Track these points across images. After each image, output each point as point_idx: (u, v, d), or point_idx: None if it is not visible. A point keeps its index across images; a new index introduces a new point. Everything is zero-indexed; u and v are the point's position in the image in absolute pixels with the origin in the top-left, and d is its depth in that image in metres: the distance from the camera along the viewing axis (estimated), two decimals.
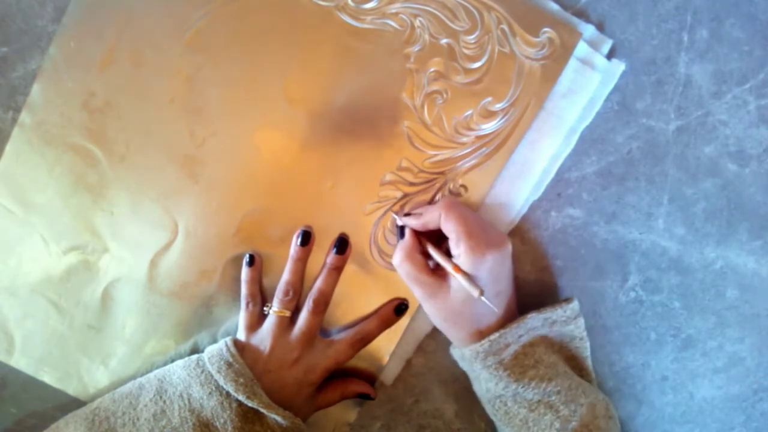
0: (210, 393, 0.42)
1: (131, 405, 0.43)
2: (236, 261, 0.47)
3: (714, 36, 0.45)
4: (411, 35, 0.44)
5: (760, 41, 0.45)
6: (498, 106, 0.44)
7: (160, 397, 0.43)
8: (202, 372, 0.43)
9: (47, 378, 0.49)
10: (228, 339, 0.45)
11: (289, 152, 0.46)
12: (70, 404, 0.50)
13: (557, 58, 0.44)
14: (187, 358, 0.45)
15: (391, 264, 0.46)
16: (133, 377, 0.47)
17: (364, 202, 0.46)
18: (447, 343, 0.48)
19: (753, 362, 0.48)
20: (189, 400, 0.43)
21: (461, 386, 0.49)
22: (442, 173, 0.46)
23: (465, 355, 0.43)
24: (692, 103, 0.46)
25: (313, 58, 0.45)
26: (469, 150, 0.45)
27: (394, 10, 0.44)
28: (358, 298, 0.47)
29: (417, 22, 0.44)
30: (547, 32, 0.44)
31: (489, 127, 0.45)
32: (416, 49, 0.44)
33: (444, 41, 0.44)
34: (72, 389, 0.49)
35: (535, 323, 0.42)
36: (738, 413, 0.48)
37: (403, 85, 0.45)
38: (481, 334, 0.42)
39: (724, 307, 0.47)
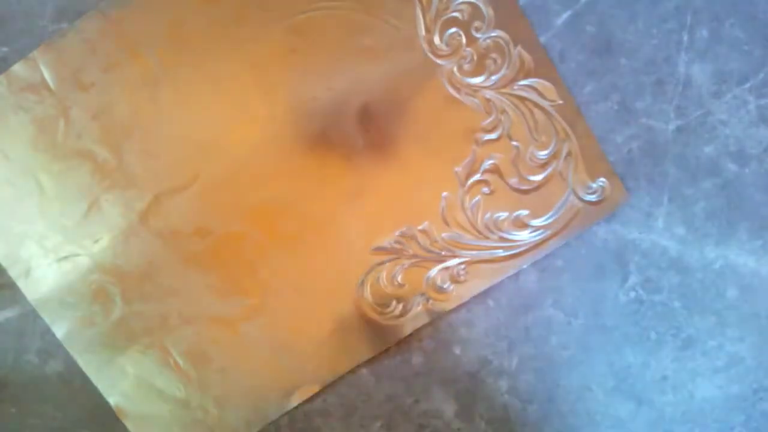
0: None
1: None
2: (234, 236, 0.47)
3: (714, 36, 0.45)
4: (490, 123, 0.45)
5: (760, 41, 0.45)
6: (532, 221, 0.46)
7: None
8: None
9: None
10: None
11: (334, 162, 0.46)
12: (70, 404, 0.50)
13: (600, 208, 0.46)
14: None
15: (379, 309, 0.47)
16: (75, 288, 0.47)
17: (374, 239, 0.47)
18: (447, 343, 0.49)
19: (753, 362, 0.48)
20: None
21: (461, 386, 0.49)
22: (453, 253, 0.46)
23: None
24: (692, 103, 0.46)
25: (396, 97, 0.45)
26: (487, 245, 0.46)
27: (488, 95, 0.45)
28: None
29: (502, 116, 0.45)
30: (602, 182, 0.45)
31: (515, 236, 0.46)
32: (487, 137, 0.45)
33: (515, 143, 0.45)
34: (15, 273, 0.49)
35: None
36: (738, 413, 0.48)
37: (460, 161, 0.46)
38: None
39: (724, 307, 0.47)
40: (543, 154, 0.46)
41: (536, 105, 0.45)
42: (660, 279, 0.47)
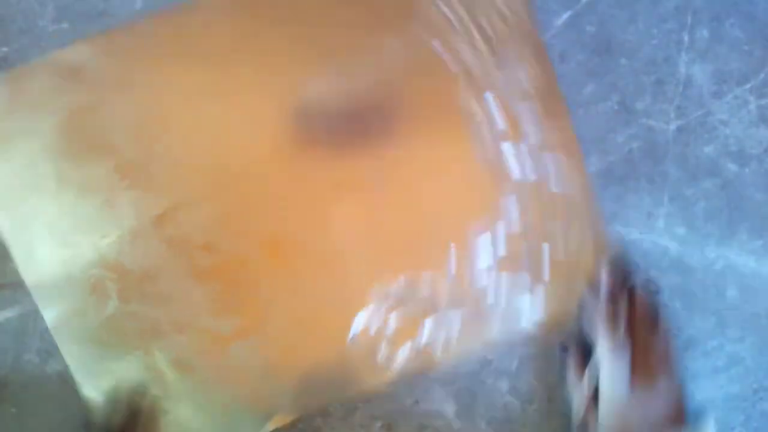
0: None
1: None
2: (240, 257, 0.47)
3: (714, 36, 0.45)
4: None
5: (760, 41, 0.45)
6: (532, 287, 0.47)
7: None
8: None
9: None
10: None
11: (350, 200, 0.47)
12: (70, 403, 0.50)
13: None
14: None
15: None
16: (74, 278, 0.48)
17: (376, 281, 0.47)
18: None
19: (753, 362, 0.48)
20: None
21: (461, 386, 0.49)
22: (451, 306, 0.47)
23: None
24: (692, 103, 0.46)
25: (417, 104, 0.46)
26: (488, 302, 0.47)
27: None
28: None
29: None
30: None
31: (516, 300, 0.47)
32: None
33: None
34: (17, 252, 0.48)
35: None
36: (738, 413, 0.48)
37: (479, 215, 0.46)
38: None
39: (724, 307, 0.47)
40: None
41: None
42: (660, 279, 0.47)
